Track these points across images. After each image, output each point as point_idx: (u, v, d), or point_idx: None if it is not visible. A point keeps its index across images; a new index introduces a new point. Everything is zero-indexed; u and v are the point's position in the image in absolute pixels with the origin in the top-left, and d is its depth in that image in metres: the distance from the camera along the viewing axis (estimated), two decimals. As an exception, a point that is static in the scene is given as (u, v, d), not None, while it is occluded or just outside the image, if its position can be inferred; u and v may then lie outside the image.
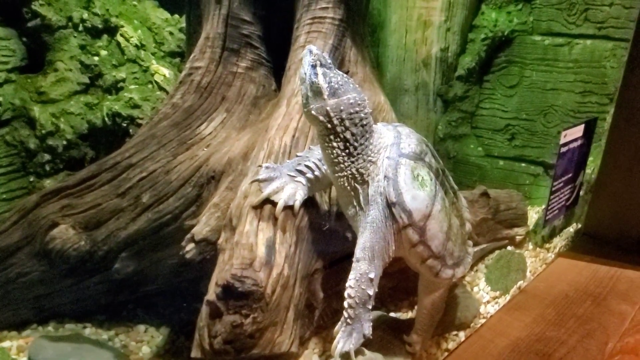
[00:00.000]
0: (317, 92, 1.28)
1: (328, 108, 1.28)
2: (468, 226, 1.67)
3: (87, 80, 2.53)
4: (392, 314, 1.78)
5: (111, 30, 2.62)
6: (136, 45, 2.65)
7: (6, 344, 1.70)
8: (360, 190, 1.33)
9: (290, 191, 1.39)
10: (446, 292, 1.56)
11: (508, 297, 1.93)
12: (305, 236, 1.44)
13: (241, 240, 1.30)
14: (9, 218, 1.75)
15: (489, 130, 2.72)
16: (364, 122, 1.32)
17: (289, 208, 1.39)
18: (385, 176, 1.30)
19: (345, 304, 1.26)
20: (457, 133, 2.75)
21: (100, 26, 2.58)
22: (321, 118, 1.28)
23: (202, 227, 1.48)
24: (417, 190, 1.31)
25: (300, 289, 1.38)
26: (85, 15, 2.55)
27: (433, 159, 1.46)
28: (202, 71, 1.92)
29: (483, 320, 1.76)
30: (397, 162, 1.32)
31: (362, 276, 1.26)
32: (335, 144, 1.30)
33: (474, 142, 2.76)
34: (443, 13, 2.53)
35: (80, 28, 2.55)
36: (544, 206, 2.20)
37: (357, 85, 1.36)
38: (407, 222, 1.29)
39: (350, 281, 1.27)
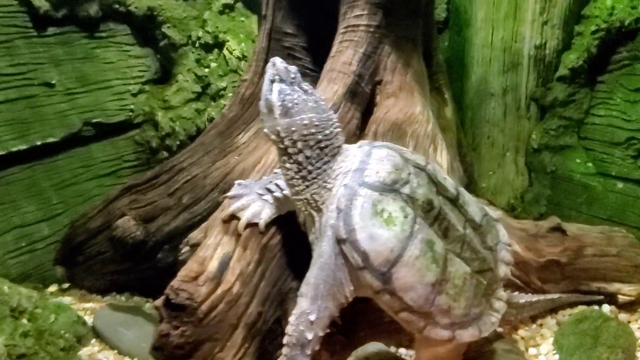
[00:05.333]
0: (270, 109, 1.25)
1: (279, 128, 1.24)
2: (503, 270, 1.40)
3: (199, 89, 2.93)
4: (393, 349, 1.64)
5: (220, 44, 2.96)
6: (238, 57, 2.94)
7: (89, 304, 2.14)
8: (317, 218, 1.27)
9: (256, 209, 1.41)
10: (456, 352, 1.35)
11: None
12: (275, 254, 1.45)
13: (199, 252, 1.39)
14: (98, 205, 2.19)
15: (604, 143, 2.19)
16: (322, 145, 1.24)
17: (254, 225, 1.42)
18: (337, 207, 1.20)
19: (285, 341, 1.21)
20: (558, 144, 2.29)
21: (211, 42, 2.95)
22: (273, 137, 1.26)
23: (198, 232, 1.62)
24: (377, 229, 1.16)
25: (259, 308, 1.39)
26: (200, 34, 2.94)
27: (426, 188, 1.26)
28: (247, 83, 2.06)
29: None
30: (355, 192, 1.19)
31: (301, 316, 1.19)
32: (288, 166, 1.26)
33: (581, 156, 2.26)
34: (538, 3, 2.14)
35: (197, 45, 2.96)
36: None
37: (323, 104, 1.29)
38: (361, 264, 1.16)
39: (292, 317, 1.21)
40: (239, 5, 3.01)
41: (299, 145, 1.23)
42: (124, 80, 2.82)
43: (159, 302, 1.32)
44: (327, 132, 1.25)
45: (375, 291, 1.19)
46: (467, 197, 1.43)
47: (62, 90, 2.49)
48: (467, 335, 1.25)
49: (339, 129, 1.30)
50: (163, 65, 3.00)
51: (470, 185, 2.26)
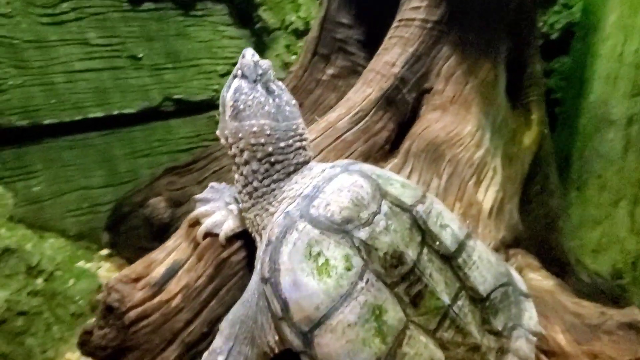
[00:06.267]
0: (223, 109, 1.08)
1: (227, 132, 1.07)
2: None
3: (283, 76, 2.82)
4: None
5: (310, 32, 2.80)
6: (323, 46, 2.74)
7: (122, 275, 2.20)
8: (259, 244, 1.08)
9: (219, 218, 1.23)
10: None
11: None
12: (235, 273, 1.25)
13: (152, 254, 1.27)
14: (145, 181, 2.22)
15: None
16: (273, 160, 1.03)
17: (215, 236, 1.24)
18: (268, 237, 0.98)
19: None
20: (696, 205, 1.64)
21: (301, 28, 2.80)
22: (222, 141, 1.09)
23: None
24: (304, 276, 0.91)
25: (204, 329, 1.22)
26: (293, 18, 2.81)
27: (399, 236, 0.96)
28: (291, 76, 1.87)
29: None
30: (293, 223, 0.96)
31: (211, 353, 1.03)
32: (236, 177, 1.10)
33: None
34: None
35: (289, 30, 2.84)
36: None
37: (289, 110, 1.06)
38: (280, 314, 0.93)
39: (205, 353, 1.05)
40: (338, -10, 2.80)
41: (245, 155, 1.04)
42: (213, 60, 2.83)
43: (101, 296, 1.23)
44: (281, 144, 1.02)
45: (295, 349, 0.94)
46: (477, 256, 1.06)
47: (148, 65, 2.58)
48: None
49: (302, 143, 1.06)
50: (258, 48, 2.95)
51: (551, 236, 1.76)
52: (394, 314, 0.92)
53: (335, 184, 0.98)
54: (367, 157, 1.44)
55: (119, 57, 2.48)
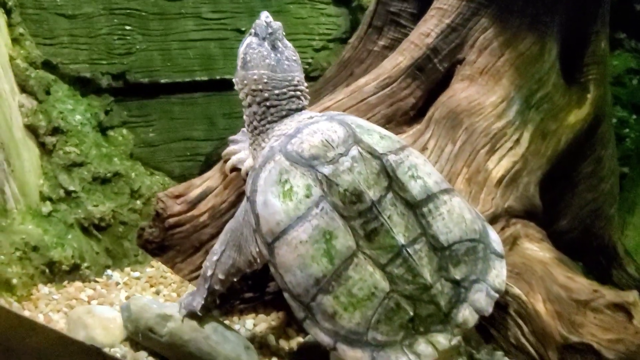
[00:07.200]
0: (237, 60, 1.34)
1: (236, 79, 1.33)
2: (463, 316, 1.11)
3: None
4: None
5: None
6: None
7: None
8: None
9: (242, 156, 1.49)
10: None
11: None
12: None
13: (194, 179, 1.58)
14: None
15: None
16: (268, 104, 1.26)
17: (238, 170, 1.50)
18: (254, 165, 1.24)
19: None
20: None
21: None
22: (235, 87, 1.34)
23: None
24: (272, 197, 1.12)
25: (223, 244, 1.50)
26: (384, -3, 2.92)
27: (362, 178, 1.10)
28: (349, 46, 2.03)
29: None
30: (272, 155, 1.18)
31: (211, 253, 1.28)
32: (244, 117, 1.34)
33: None
34: None
35: (381, 8, 2.96)
36: None
37: (287, 64, 1.27)
38: (254, 226, 1.17)
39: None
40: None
41: (248, 99, 1.28)
42: (310, 36, 3.08)
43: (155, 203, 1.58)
44: (276, 92, 1.23)
45: (265, 260, 1.16)
46: (446, 210, 1.15)
47: (250, 37, 2.93)
48: (352, 355, 1.06)
49: (296, 93, 1.27)
50: (353, 25, 3.13)
51: (597, 223, 1.69)
52: (343, 242, 1.07)
53: (313, 127, 1.17)
54: (389, 120, 1.57)
55: (225, 30, 2.86)
